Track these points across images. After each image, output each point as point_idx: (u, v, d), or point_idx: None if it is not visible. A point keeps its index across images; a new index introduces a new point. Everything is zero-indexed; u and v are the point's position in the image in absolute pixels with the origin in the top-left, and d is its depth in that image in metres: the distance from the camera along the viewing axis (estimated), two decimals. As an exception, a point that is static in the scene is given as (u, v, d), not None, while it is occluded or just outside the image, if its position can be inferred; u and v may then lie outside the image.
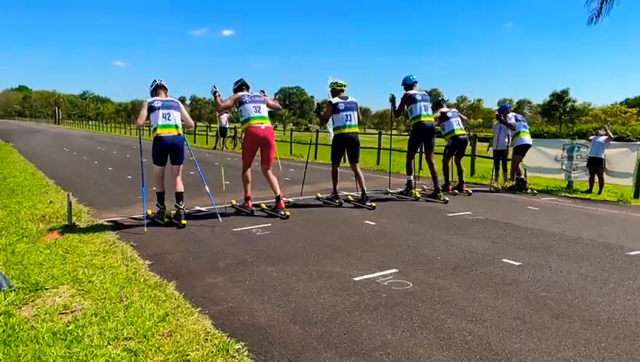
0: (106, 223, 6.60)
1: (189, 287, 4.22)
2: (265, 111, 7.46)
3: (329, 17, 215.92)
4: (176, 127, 6.66)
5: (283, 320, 3.57)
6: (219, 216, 7.01)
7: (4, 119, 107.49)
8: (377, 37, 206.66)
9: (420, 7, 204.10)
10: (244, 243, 5.77)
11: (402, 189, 9.78)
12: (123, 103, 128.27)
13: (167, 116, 6.60)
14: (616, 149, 11.01)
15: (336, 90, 8.43)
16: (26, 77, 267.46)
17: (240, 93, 7.51)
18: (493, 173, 11.84)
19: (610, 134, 11.07)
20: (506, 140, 11.58)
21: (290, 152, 21.75)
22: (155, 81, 6.99)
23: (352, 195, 8.95)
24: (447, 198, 9.05)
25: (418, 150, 10.63)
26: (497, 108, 14.97)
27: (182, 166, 6.88)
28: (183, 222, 6.50)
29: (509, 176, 11.77)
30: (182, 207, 6.64)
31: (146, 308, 3.70)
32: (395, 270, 4.75)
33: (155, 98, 6.77)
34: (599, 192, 10.72)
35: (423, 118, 9.07)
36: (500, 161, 11.91)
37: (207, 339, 3.22)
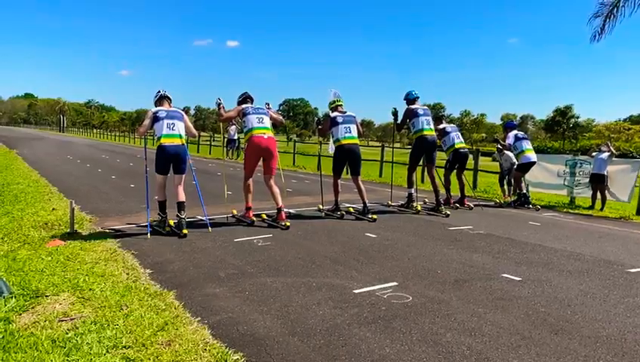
0: (107, 231, 6.63)
1: (189, 297, 4.22)
2: (268, 122, 7.59)
3: (334, 30, 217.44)
4: (180, 136, 6.74)
5: (282, 331, 3.57)
6: (209, 226, 7.03)
7: (9, 126, 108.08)
8: (381, 50, 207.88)
9: (425, 22, 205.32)
10: (245, 253, 5.78)
11: (403, 202, 9.79)
12: (128, 112, 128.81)
13: (172, 126, 6.67)
14: (618, 166, 11.02)
15: (334, 106, 8.66)
16: (32, 84, 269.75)
17: (244, 105, 7.66)
18: (505, 188, 12.05)
19: (613, 151, 11.08)
20: (510, 156, 11.77)
21: (293, 163, 21.76)
22: (159, 91, 7.08)
23: (353, 207, 8.97)
24: (448, 212, 9.07)
25: (420, 164, 10.62)
26: (501, 123, 15.11)
27: (184, 176, 6.92)
28: (185, 231, 6.53)
29: (512, 192, 11.89)
30: (183, 217, 6.67)
31: (145, 316, 3.71)
32: (394, 283, 4.75)
33: (159, 108, 6.84)
34: (601, 209, 10.70)
35: (425, 132, 9.11)
36: (506, 176, 12.00)
37: (205, 349, 3.22)
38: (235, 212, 8.05)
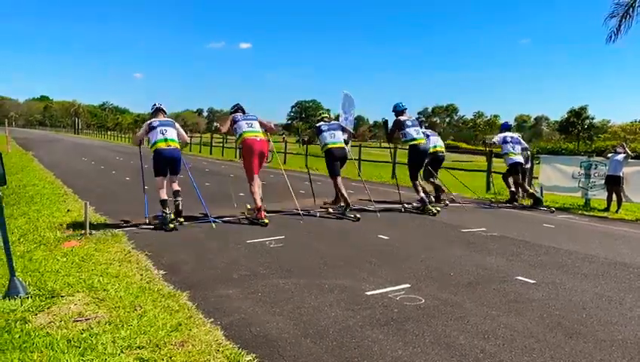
0: (121, 233, 6.68)
1: (202, 298, 4.25)
2: (257, 126, 8.09)
3: (347, 31, 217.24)
4: (173, 140, 7.32)
5: (294, 332, 3.58)
6: (212, 222, 7.40)
7: (25, 128, 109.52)
8: (394, 51, 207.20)
9: (437, 23, 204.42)
10: (257, 254, 5.80)
11: (417, 205, 9.74)
12: (141, 114, 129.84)
13: (165, 132, 7.30)
14: (634, 167, 10.88)
15: (320, 118, 9.56)
16: (47, 87, 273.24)
17: (234, 115, 8.25)
18: (519, 190, 12.00)
19: (629, 152, 10.95)
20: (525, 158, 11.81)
21: (306, 165, 21.77)
22: (154, 104, 7.73)
23: (332, 208, 9.16)
24: (434, 211, 9.36)
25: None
26: (515, 124, 15.19)
27: (178, 175, 7.57)
28: (180, 219, 7.22)
29: (524, 191, 11.88)
30: (179, 199, 7.31)
31: (159, 317, 3.73)
32: (407, 285, 4.74)
33: (153, 119, 7.51)
34: (617, 211, 10.57)
35: (416, 141, 9.47)
36: (519, 177, 11.94)
37: (218, 350, 3.24)
38: (248, 207, 8.29)
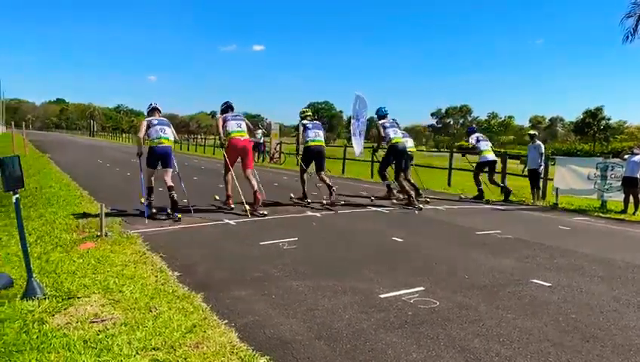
0: (136, 234, 6.73)
1: (216, 299, 4.27)
2: (244, 127, 9.09)
3: (359, 31, 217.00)
4: (167, 138, 8.26)
5: (308, 335, 3.58)
6: (192, 210, 8.36)
7: (41, 131, 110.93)
8: (408, 53, 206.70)
9: (451, 24, 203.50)
10: (271, 256, 5.81)
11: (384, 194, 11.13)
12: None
13: (163, 130, 8.26)
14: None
15: (304, 116, 10.43)
16: (63, 90, 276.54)
17: (225, 114, 9.16)
18: (533, 192, 12.01)
19: (647, 153, 10.80)
20: (539, 160, 11.80)
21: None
22: (151, 104, 8.67)
23: (307, 201, 10.06)
24: (421, 206, 10.13)
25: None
26: (529, 125, 15.22)
27: (171, 170, 8.38)
28: (178, 216, 7.86)
29: (540, 196, 11.92)
30: (173, 193, 8.10)
31: (174, 319, 3.76)
32: (421, 288, 4.72)
33: (152, 117, 8.43)
34: (634, 213, 10.43)
35: (394, 141, 10.39)
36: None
37: (232, 352, 3.25)
38: (217, 197, 9.61)
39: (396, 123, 10.75)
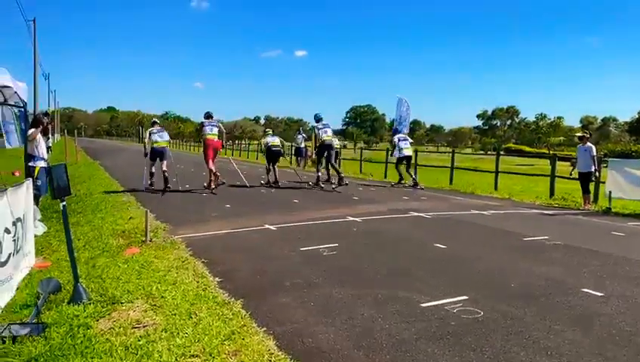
0: (180, 240, 6.83)
1: (256, 306, 4.26)
2: (216, 131, 12.74)
3: (402, 32, 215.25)
4: (164, 141, 12.52)
5: (347, 344, 3.52)
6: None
7: (93, 138, 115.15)
8: (451, 54, 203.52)
9: (496, 24, 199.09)
10: (311, 263, 5.78)
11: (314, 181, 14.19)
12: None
13: (161, 136, 12.48)
14: None
15: (317, 120, 14.16)
16: (114, 98, 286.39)
17: (204, 120, 12.92)
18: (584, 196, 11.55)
19: None
20: (590, 162, 11.35)
21: (360, 171, 21.67)
22: (154, 120, 13.38)
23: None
24: (338, 189, 13.32)
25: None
26: (580, 125, 14.78)
27: (166, 161, 12.51)
28: (170, 186, 12.25)
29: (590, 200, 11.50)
30: (165, 174, 12.21)
31: (213, 325, 3.77)
32: (465, 297, 4.57)
33: (153, 128, 12.59)
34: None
35: (324, 138, 13.78)
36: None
37: (270, 361, 3.23)
38: (206, 185, 12.77)
39: (327, 125, 14.12)
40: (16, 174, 11.15)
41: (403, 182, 15.50)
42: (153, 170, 12.44)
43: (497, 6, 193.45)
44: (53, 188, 4.27)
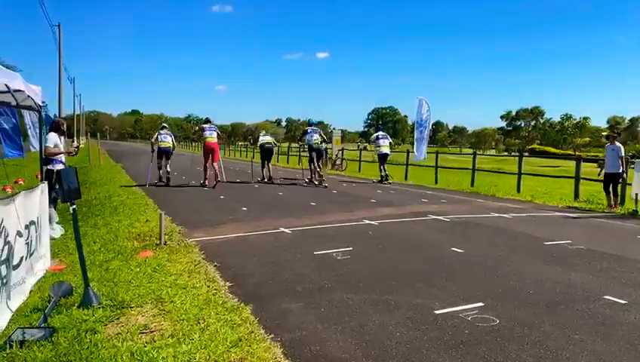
0: (194, 243, 6.82)
1: (265, 311, 4.20)
2: (214, 134, 14.64)
3: (422, 30, 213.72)
4: (168, 142, 14.53)
5: (356, 353, 3.42)
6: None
7: (117, 141, 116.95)
8: (474, 53, 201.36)
9: (520, 23, 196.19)
10: (324, 267, 5.69)
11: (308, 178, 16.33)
12: (224, 125, 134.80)
13: (165, 138, 14.54)
14: None
15: (308, 125, 16.39)
16: (138, 101, 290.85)
17: (204, 125, 15.15)
18: (610, 197, 11.23)
19: None
20: (618, 163, 11.02)
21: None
22: (163, 124, 15.91)
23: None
24: (325, 184, 15.27)
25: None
26: (607, 126, 14.32)
27: (170, 160, 14.69)
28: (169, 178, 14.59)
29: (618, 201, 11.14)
30: (168, 170, 14.56)
31: (220, 332, 3.71)
32: (480, 303, 4.43)
33: (161, 131, 14.80)
34: None
35: (313, 142, 15.53)
36: (611, 185, 11.21)
37: (275, 369, 3.15)
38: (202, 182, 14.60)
39: (315, 131, 15.82)
40: (7, 190, 11.33)
41: (389, 180, 17.21)
42: (159, 165, 14.61)
43: (522, 4, 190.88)
44: (64, 192, 4.27)
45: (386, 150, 17.03)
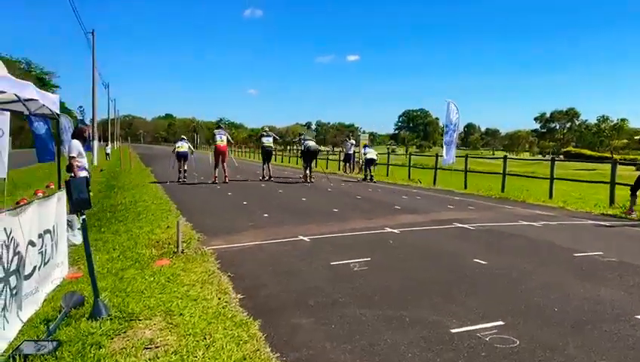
0: (211, 251, 6.75)
1: (274, 327, 4.08)
2: (225, 138, 16.95)
3: (453, 31, 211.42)
4: (184, 148, 17.92)
5: (363, 375, 3.27)
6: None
7: (151, 145, 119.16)
8: (508, 55, 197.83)
9: (555, 22, 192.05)
10: (339, 279, 5.53)
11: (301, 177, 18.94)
12: (255, 129, 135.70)
13: (182, 145, 17.97)
14: None
15: (304, 132, 21.48)
16: (172, 106, 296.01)
17: (215, 130, 18.11)
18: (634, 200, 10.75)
19: None
20: None
21: (409, 177, 21.12)
22: (182, 136, 19.61)
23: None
24: (313, 180, 18.13)
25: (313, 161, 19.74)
26: None
27: (187, 162, 18.04)
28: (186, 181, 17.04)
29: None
30: (185, 165, 17.91)
31: (225, 349, 3.61)
32: (500, 322, 4.21)
33: (179, 138, 18.97)
34: None
35: (309, 145, 18.62)
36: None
37: (277, 392, 3.02)
38: (214, 179, 16.69)
39: (310, 136, 19.53)
40: (39, 194, 11.47)
41: (373, 179, 19.47)
42: (178, 167, 17.79)
43: (556, 4, 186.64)
44: (73, 202, 4.25)
45: (371, 156, 19.78)
